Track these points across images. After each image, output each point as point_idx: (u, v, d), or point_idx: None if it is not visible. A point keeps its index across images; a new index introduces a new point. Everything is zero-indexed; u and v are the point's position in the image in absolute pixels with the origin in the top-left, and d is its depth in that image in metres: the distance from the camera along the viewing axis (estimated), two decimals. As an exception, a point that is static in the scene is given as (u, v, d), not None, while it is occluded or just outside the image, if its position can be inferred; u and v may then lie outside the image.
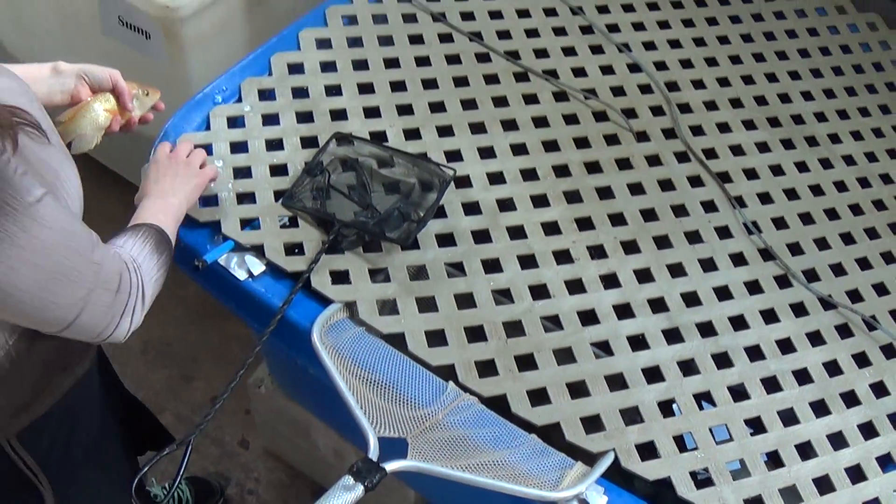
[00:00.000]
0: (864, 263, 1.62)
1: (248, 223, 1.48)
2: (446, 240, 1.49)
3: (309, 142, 1.59)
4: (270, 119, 1.62)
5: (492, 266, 1.47)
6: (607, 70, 1.81)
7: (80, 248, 1.06)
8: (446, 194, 1.53)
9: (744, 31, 1.97)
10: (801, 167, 1.75)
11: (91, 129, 1.33)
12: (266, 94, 1.66)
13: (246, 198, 1.51)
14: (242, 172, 1.54)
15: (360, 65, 1.73)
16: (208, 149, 1.52)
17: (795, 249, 1.61)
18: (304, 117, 1.64)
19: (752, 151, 1.74)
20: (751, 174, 1.70)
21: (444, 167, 1.55)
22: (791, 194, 1.69)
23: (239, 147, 1.57)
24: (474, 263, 1.46)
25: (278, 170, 1.54)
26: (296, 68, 1.70)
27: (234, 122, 1.61)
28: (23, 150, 1.02)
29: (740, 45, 1.94)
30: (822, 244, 1.63)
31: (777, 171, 1.72)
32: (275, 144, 1.59)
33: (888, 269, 1.62)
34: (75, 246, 1.05)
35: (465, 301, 1.42)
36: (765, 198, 1.67)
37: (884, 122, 1.88)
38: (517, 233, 1.52)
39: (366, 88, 1.69)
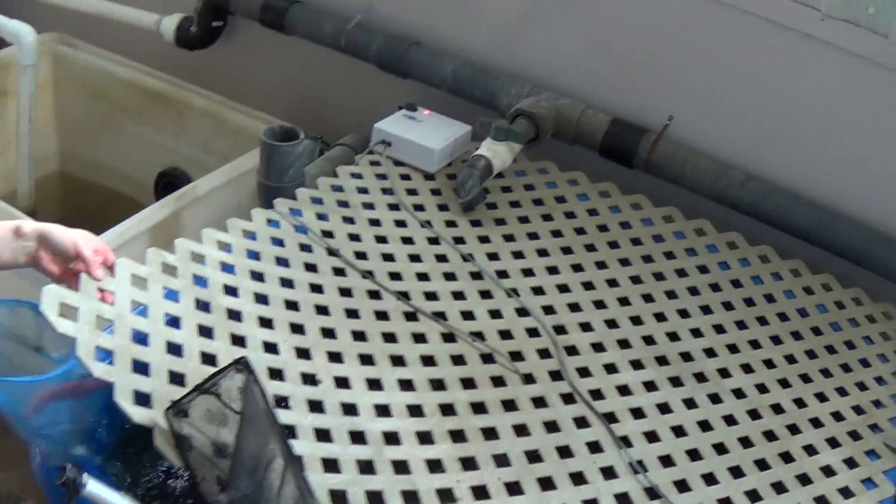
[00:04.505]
0: (753, 496, 1.63)
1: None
2: (331, 465, 1.50)
3: (205, 331, 1.64)
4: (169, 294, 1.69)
5: (375, 499, 1.48)
6: (495, 314, 1.87)
7: None
8: (333, 418, 1.57)
9: (633, 273, 2.04)
10: (689, 404, 1.77)
11: None
12: (168, 269, 1.72)
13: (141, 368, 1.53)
14: (138, 336, 1.57)
15: (257, 276, 1.81)
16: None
17: (682, 486, 1.61)
18: (203, 306, 1.69)
19: (639, 391, 1.77)
20: (637, 413, 1.73)
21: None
22: (678, 431, 1.71)
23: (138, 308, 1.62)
24: (358, 494, 1.47)
25: (173, 348, 1.58)
26: (197, 258, 1.78)
27: (137, 280, 1.66)
28: None
29: (629, 286, 2.00)
30: (709, 479, 1.64)
31: (664, 409, 1.75)
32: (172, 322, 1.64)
33: (779, 499, 1.63)
34: None
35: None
36: (651, 436, 1.69)
37: (775, 352, 1.93)
38: (401, 467, 1.53)
39: (261, 298, 1.76)
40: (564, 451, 1.64)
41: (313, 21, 2.68)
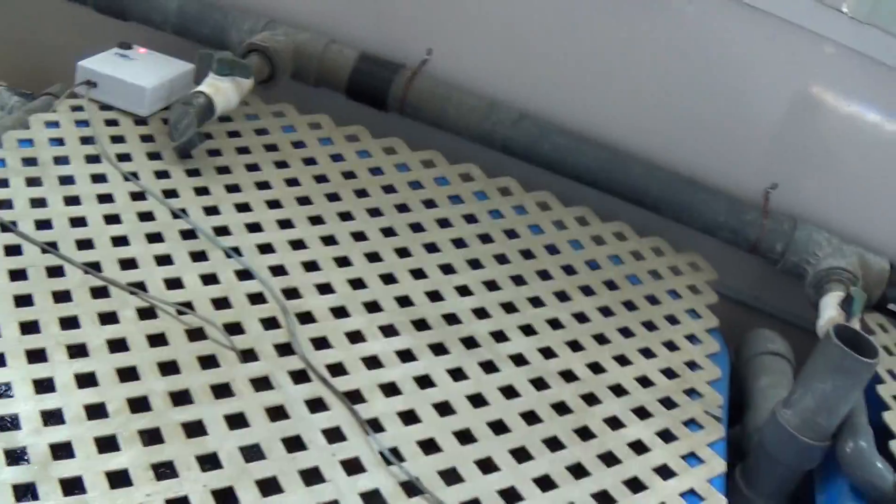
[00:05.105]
0: (545, 483, 1.35)
1: None
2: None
3: None
4: None
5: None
6: (210, 279, 1.54)
7: None
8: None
9: (385, 225, 1.74)
10: (457, 375, 1.49)
11: None
12: None
13: None
14: None
15: None
16: None
17: (451, 477, 1.31)
18: None
19: (391, 362, 1.47)
20: (390, 390, 1.43)
21: None
22: (443, 409, 1.42)
23: None
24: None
25: None
26: None
27: None
28: None
29: (380, 239, 1.70)
30: (486, 466, 1.34)
31: (424, 382, 1.46)
32: None
33: (578, 485, 1.35)
34: None
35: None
36: (408, 417, 1.39)
37: (562, 310, 1.66)
38: (73, 486, 1.20)
39: None
40: (294, 444, 1.31)
41: (23, -33, 2.26)
